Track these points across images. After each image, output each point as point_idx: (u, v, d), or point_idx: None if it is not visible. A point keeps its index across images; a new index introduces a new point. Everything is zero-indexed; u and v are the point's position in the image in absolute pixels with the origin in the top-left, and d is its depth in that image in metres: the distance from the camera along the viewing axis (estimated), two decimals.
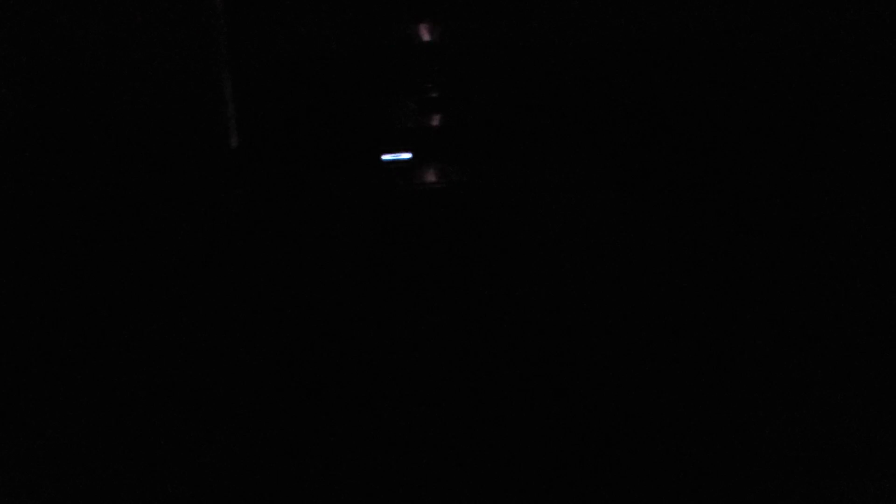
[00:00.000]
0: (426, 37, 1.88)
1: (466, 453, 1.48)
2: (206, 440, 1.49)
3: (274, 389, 1.62)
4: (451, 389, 1.63)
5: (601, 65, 1.90)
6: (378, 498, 1.38)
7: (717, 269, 1.82)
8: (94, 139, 1.77)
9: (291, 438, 1.50)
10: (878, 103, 1.78)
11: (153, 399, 1.59)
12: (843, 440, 1.42)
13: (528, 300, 1.79)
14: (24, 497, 1.36)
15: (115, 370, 1.63)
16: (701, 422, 1.51)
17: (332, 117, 1.88)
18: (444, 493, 1.40)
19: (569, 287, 1.81)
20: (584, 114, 1.91)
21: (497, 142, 1.92)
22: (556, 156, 1.91)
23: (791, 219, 1.83)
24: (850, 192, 1.79)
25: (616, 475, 1.41)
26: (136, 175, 1.79)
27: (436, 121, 1.92)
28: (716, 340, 1.69)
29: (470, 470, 1.44)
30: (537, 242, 1.87)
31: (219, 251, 1.79)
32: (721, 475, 1.38)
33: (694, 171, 1.89)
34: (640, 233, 1.85)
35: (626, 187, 1.90)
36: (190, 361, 1.66)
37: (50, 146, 1.74)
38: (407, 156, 1.89)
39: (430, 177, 1.92)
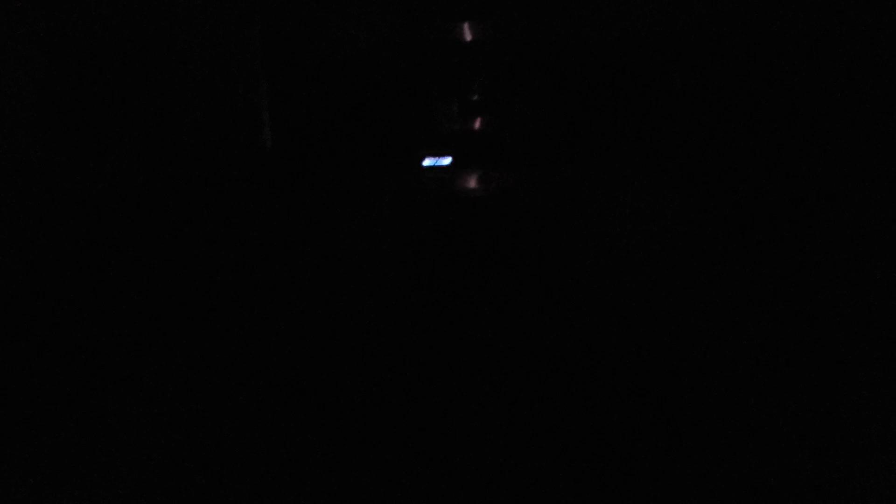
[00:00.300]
0: (468, 36, 1.81)
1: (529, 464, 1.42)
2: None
3: (299, 397, 1.58)
4: (495, 405, 1.56)
5: (652, 66, 1.81)
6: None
7: (771, 274, 1.74)
8: (128, 139, 1.75)
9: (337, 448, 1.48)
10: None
11: (174, 399, 1.57)
12: (843, 440, 1.40)
13: (574, 313, 1.71)
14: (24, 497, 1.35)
15: (142, 370, 1.62)
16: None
17: (370, 120, 1.83)
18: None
19: (619, 302, 1.73)
20: (635, 116, 1.83)
21: (542, 145, 1.84)
22: (604, 160, 1.83)
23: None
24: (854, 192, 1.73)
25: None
26: (169, 174, 1.77)
27: (478, 124, 1.85)
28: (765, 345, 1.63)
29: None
30: (584, 252, 1.79)
31: (251, 254, 1.76)
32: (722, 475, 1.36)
33: (751, 176, 1.80)
34: (693, 240, 1.77)
35: (679, 193, 1.81)
36: (215, 363, 1.63)
37: (85, 146, 1.73)
38: (447, 160, 1.82)
39: (472, 182, 1.84)
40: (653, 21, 1.78)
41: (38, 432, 1.48)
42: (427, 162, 1.82)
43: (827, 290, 1.69)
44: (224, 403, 1.56)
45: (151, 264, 1.73)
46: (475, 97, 1.84)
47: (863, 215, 1.73)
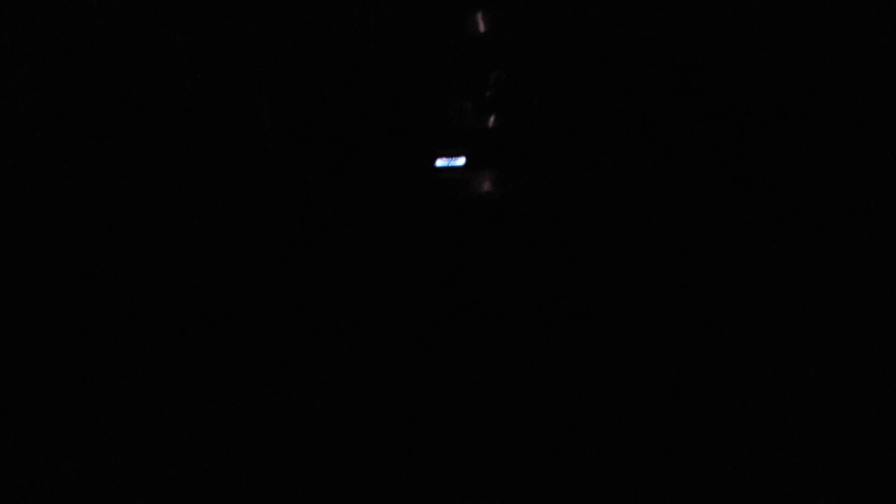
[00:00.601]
0: (483, 27, 1.72)
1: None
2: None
3: (304, 400, 1.58)
4: (512, 409, 1.56)
5: (680, 59, 1.71)
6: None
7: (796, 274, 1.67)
8: (126, 136, 1.70)
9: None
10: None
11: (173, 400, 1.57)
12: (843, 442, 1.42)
13: (593, 319, 1.66)
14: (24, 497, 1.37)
15: (141, 371, 1.61)
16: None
17: (379, 118, 1.75)
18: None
19: (639, 307, 1.67)
20: (662, 114, 1.73)
21: (562, 144, 1.76)
22: (630, 161, 1.74)
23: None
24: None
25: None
26: (168, 175, 1.71)
27: (493, 122, 1.76)
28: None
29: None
30: (604, 257, 1.71)
31: (256, 259, 1.71)
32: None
33: (774, 180, 1.72)
34: (716, 244, 1.69)
35: (706, 197, 1.72)
36: (214, 368, 1.61)
37: (81, 144, 1.69)
38: (461, 160, 1.74)
39: (487, 184, 1.76)
40: (675, 16, 1.68)
41: (41, 433, 1.50)
42: (440, 162, 1.74)
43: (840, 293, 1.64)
44: (224, 406, 1.56)
45: (153, 267, 1.69)
46: (491, 93, 1.75)
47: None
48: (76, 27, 1.63)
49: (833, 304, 1.61)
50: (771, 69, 1.68)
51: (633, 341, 1.63)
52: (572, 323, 1.66)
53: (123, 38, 1.65)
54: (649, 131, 1.74)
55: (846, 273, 1.63)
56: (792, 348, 1.59)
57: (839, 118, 1.68)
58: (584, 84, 1.74)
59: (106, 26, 1.64)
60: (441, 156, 1.74)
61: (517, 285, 1.70)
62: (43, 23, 1.61)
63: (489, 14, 1.70)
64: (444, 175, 1.74)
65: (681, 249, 1.69)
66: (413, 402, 1.57)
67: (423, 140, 1.75)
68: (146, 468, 1.45)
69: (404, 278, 1.70)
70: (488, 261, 1.71)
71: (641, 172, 1.73)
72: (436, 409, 1.56)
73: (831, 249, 1.65)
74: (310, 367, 1.62)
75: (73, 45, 1.63)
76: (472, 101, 1.74)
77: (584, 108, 1.75)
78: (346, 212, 1.74)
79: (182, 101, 1.69)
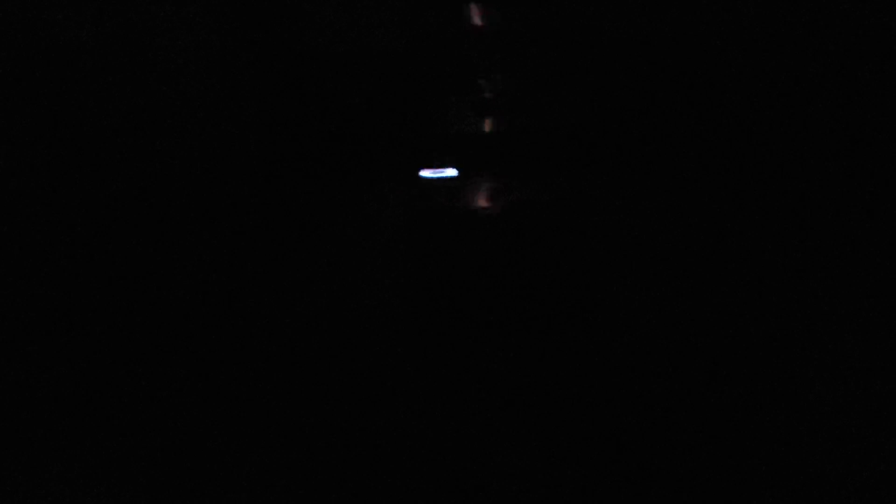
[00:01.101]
0: (477, 22, 1.65)
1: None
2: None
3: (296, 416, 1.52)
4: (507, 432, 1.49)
5: (683, 63, 1.65)
6: None
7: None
8: (116, 140, 1.66)
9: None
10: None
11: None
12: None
13: (594, 343, 1.58)
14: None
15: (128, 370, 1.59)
16: None
17: (363, 123, 1.69)
18: None
19: (642, 331, 1.58)
20: (673, 119, 1.67)
21: (563, 153, 1.68)
22: (637, 171, 1.67)
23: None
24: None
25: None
26: (154, 181, 1.68)
27: (488, 127, 1.69)
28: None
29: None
30: (610, 276, 1.64)
31: (235, 279, 1.66)
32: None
33: (778, 186, 1.66)
34: (722, 258, 1.63)
35: (712, 207, 1.65)
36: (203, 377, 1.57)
37: (69, 144, 1.67)
38: (452, 171, 1.66)
39: (480, 197, 1.70)
40: (677, 18, 1.63)
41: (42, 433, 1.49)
42: (428, 173, 1.66)
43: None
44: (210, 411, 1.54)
45: (149, 269, 1.65)
46: (486, 95, 1.68)
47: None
48: (65, 30, 1.60)
49: (833, 306, 1.58)
50: (772, 75, 1.63)
51: (630, 353, 1.57)
52: (567, 337, 1.60)
53: (109, 41, 1.62)
54: (651, 138, 1.67)
55: (847, 276, 1.59)
56: (791, 352, 1.55)
57: (840, 122, 1.63)
58: (592, 86, 1.67)
59: (95, 30, 1.61)
60: (431, 166, 1.66)
61: (512, 307, 1.62)
62: (33, 25, 1.59)
63: (484, 6, 1.63)
64: (432, 187, 1.66)
65: (679, 260, 1.63)
66: (401, 413, 1.52)
67: (409, 148, 1.68)
68: (144, 469, 1.44)
69: (390, 295, 1.64)
70: (481, 278, 1.64)
71: (642, 181, 1.67)
72: (424, 420, 1.51)
73: (831, 253, 1.61)
74: (298, 375, 1.57)
75: (62, 47, 1.61)
76: (466, 106, 1.67)
77: (592, 113, 1.68)
78: (328, 225, 1.67)
79: (169, 105, 1.65)
